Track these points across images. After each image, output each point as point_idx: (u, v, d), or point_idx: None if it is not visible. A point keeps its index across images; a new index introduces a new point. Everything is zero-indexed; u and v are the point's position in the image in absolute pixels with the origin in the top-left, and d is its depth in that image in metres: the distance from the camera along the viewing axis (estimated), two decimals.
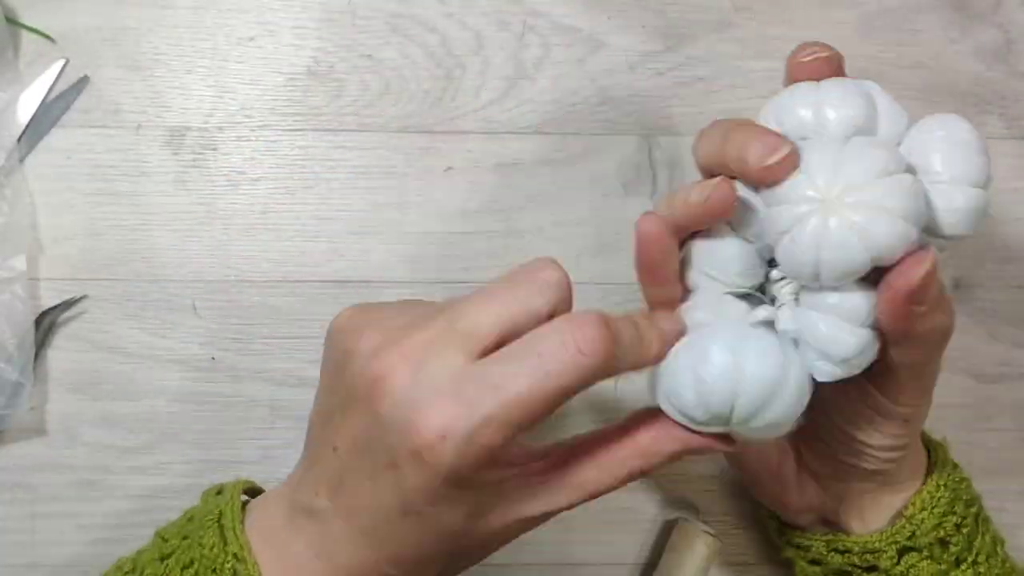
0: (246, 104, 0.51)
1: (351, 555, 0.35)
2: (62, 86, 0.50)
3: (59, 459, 0.49)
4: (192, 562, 0.36)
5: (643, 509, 0.50)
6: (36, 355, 0.49)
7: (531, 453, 0.35)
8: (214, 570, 0.35)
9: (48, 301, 0.49)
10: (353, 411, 0.34)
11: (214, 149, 0.51)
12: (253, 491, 0.40)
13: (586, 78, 0.52)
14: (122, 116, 0.51)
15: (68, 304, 0.49)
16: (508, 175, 0.49)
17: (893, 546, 0.40)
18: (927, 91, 0.52)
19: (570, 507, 0.35)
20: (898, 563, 0.40)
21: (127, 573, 0.38)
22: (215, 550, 0.35)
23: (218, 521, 0.36)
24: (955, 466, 0.43)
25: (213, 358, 0.50)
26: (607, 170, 0.52)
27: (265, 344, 0.50)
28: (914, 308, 0.33)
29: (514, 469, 0.34)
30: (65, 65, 0.50)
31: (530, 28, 0.52)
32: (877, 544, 0.41)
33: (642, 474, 0.35)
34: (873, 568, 0.41)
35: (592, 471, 0.35)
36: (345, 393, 0.34)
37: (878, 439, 0.39)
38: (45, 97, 0.50)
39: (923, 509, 0.40)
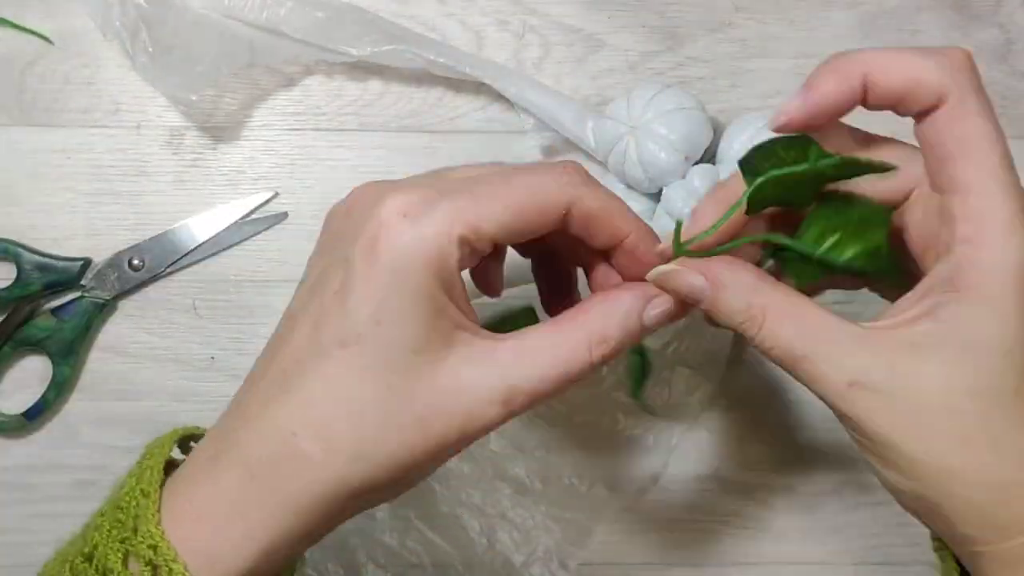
0: (246, 104, 0.51)
1: (245, 425, 0.32)
2: (260, 213, 0.51)
3: (59, 459, 0.49)
4: (109, 504, 0.33)
5: (644, 509, 0.50)
6: None
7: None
8: (121, 508, 0.32)
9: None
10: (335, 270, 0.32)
11: (214, 149, 0.51)
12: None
13: (586, 78, 0.52)
14: (122, 116, 0.51)
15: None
16: None
17: None
18: None
19: (533, 389, 0.32)
20: None
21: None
22: (127, 488, 0.33)
23: (142, 462, 0.34)
24: None
25: (213, 358, 0.50)
26: None
27: (265, 344, 0.50)
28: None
29: (469, 316, 0.32)
30: (272, 197, 0.51)
31: (530, 28, 0.52)
32: None
33: (606, 356, 0.33)
34: None
35: (557, 340, 0.33)
36: (332, 254, 0.33)
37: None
38: (240, 218, 0.50)
39: None
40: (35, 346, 0.48)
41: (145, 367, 0.50)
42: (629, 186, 0.49)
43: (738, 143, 0.47)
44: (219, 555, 0.31)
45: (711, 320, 0.34)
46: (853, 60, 0.32)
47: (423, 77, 0.51)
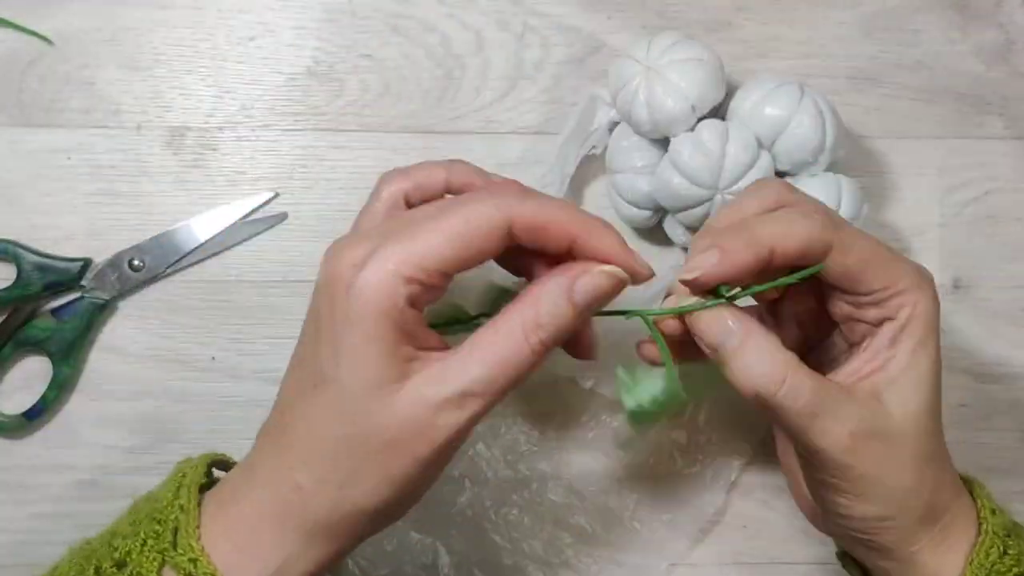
0: (246, 104, 0.51)
1: (259, 461, 0.36)
2: (260, 213, 0.51)
3: (59, 459, 0.49)
4: (143, 515, 0.37)
5: (646, 516, 0.50)
6: None
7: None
8: (158, 520, 0.35)
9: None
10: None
11: (214, 149, 0.51)
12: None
13: (586, 78, 0.52)
14: (122, 116, 0.51)
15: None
16: (508, 175, 0.49)
17: None
18: (927, 91, 0.52)
19: (484, 388, 0.33)
20: None
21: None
22: (164, 502, 0.36)
23: (178, 480, 0.37)
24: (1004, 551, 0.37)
25: (213, 358, 0.50)
26: None
27: (265, 344, 0.50)
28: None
29: (426, 341, 0.35)
30: (273, 198, 0.51)
31: (530, 28, 0.52)
32: None
33: (545, 342, 0.34)
34: None
35: (495, 336, 0.34)
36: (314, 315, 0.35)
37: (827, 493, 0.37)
38: (241, 218, 0.50)
39: None
40: (35, 346, 0.48)
41: (145, 367, 0.50)
42: (639, 132, 0.48)
43: (749, 103, 0.47)
44: (242, 571, 0.34)
45: (734, 383, 0.36)
46: (755, 232, 0.36)
47: (423, 77, 0.51)
